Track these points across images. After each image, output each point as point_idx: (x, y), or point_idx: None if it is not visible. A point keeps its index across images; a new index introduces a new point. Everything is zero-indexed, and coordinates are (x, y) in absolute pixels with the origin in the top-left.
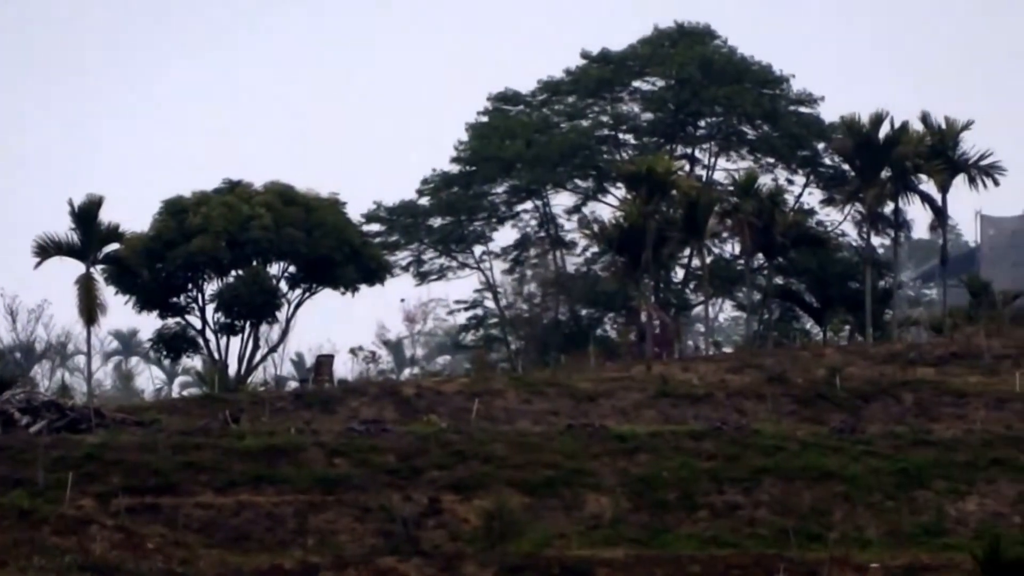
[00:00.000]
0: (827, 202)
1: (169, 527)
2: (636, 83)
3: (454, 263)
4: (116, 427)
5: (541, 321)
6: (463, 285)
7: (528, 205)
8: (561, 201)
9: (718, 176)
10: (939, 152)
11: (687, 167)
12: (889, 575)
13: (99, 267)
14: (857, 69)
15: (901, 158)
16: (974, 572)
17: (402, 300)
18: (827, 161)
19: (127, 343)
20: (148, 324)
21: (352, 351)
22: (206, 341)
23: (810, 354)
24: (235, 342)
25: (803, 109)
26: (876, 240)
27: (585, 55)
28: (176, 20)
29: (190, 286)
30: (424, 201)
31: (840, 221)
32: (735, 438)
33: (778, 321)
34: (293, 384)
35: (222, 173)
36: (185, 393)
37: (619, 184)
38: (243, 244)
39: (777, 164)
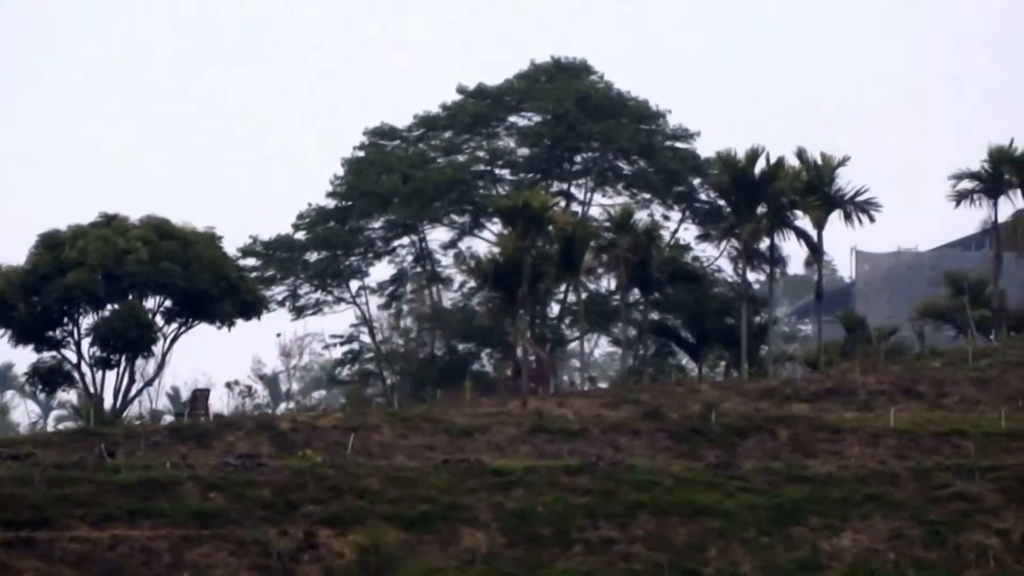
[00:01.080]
0: (703, 238)
1: (44, 561)
2: (512, 118)
3: (330, 298)
4: None
5: (417, 356)
6: (339, 320)
7: (404, 240)
8: (437, 236)
9: (594, 211)
10: (815, 188)
11: (563, 202)
12: None
13: None
14: (733, 104)
15: (777, 194)
16: None
17: (278, 334)
18: (703, 197)
19: (2, 377)
20: (23, 358)
21: (228, 385)
22: (82, 375)
23: (686, 389)
24: (111, 376)
25: (679, 144)
26: (752, 276)
27: (461, 90)
28: (52, 49)
29: (66, 320)
30: (300, 236)
31: (716, 257)
32: (610, 473)
33: (654, 356)
34: (169, 418)
35: (98, 207)
36: (60, 427)
37: (495, 219)
38: (119, 278)
39: (653, 199)
